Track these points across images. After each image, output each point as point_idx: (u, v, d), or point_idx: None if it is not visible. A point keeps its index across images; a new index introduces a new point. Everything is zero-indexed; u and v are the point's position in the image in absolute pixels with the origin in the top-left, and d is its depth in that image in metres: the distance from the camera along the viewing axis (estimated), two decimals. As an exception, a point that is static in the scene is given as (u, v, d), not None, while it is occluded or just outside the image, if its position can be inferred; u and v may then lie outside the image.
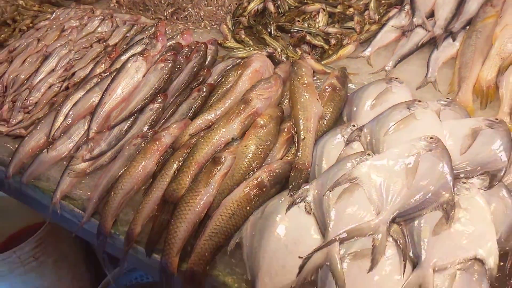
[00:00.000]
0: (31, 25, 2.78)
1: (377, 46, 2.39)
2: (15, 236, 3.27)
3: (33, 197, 2.10)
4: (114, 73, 2.23)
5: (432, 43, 2.34)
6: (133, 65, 2.22)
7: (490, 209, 1.52)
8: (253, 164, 1.77)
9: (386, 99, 1.99)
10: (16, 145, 2.13)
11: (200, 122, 1.98)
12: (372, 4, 2.54)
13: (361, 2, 2.59)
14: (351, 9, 2.55)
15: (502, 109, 1.98)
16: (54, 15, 2.83)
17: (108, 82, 2.19)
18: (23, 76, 2.37)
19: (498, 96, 2.03)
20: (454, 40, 2.30)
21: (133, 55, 2.27)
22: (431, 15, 2.45)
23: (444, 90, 2.14)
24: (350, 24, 2.50)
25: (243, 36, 2.50)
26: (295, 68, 2.08)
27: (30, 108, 2.26)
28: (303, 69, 2.07)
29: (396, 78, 2.09)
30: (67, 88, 2.34)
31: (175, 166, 1.84)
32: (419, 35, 2.36)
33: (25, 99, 2.26)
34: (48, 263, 2.89)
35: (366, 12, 2.55)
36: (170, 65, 2.21)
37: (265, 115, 1.90)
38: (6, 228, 3.42)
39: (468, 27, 2.32)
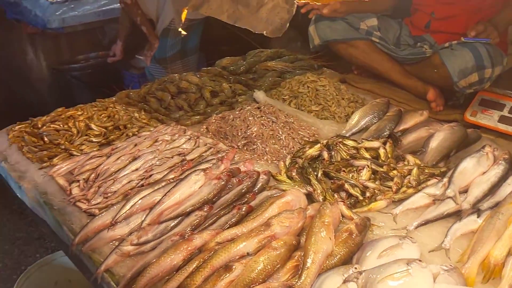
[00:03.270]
0: (136, 132, 3.46)
1: (407, 207, 2.64)
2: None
3: (86, 265, 2.55)
4: (179, 181, 2.72)
5: (458, 214, 2.54)
6: (194, 177, 2.70)
7: None
8: (256, 279, 2.06)
9: (394, 253, 2.21)
10: (88, 221, 2.64)
11: (227, 234, 2.34)
12: (414, 171, 2.83)
13: (406, 168, 2.90)
14: (395, 171, 2.86)
15: (502, 286, 2.09)
16: (155, 129, 3.49)
17: (171, 186, 2.68)
18: (112, 169, 2.96)
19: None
20: (478, 216, 2.48)
21: (198, 169, 2.76)
22: (465, 191, 2.68)
23: (454, 258, 2.30)
24: (389, 183, 2.80)
25: (293, 174, 2.90)
26: (322, 207, 2.40)
27: (109, 194, 2.80)
28: (328, 210, 2.38)
29: (411, 237, 2.32)
30: (142, 185, 2.87)
31: (195, 265, 2.20)
32: (447, 206, 2.58)
33: (107, 187, 2.82)
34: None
35: (408, 177, 2.84)
36: (222, 183, 2.66)
37: (280, 240, 2.22)
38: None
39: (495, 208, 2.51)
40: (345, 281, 2.07)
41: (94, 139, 3.35)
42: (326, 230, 2.27)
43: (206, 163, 2.94)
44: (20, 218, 3.07)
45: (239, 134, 3.29)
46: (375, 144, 3.11)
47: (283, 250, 2.18)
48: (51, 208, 2.83)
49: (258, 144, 3.20)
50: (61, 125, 3.43)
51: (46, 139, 3.33)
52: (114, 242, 2.51)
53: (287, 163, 3.06)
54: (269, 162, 3.14)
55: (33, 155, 3.23)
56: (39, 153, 3.23)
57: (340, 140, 3.15)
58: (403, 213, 2.63)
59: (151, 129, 3.52)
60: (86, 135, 3.37)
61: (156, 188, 2.73)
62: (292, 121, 3.40)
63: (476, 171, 2.79)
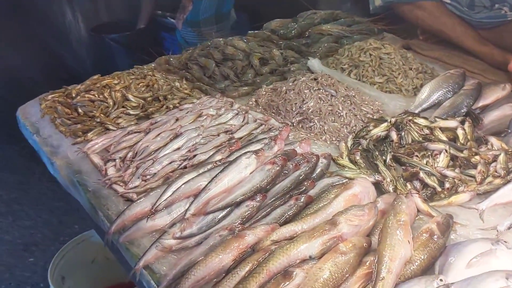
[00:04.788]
0: (177, 105, 3.13)
1: (495, 202, 2.23)
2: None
3: (123, 256, 2.27)
4: (227, 164, 2.38)
5: (561, 214, 2.12)
6: (244, 161, 2.36)
7: None
8: (323, 291, 1.72)
9: (487, 262, 1.83)
10: (125, 207, 2.35)
11: (285, 231, 2.00)
12: (501, 157, 2.40)
13: (491, 153, 2.47)
14: (477, 157, 2.44)
15: None
16: (198, 101, 3.15)
17: (219, 171, 2.35)
18: (152, 147, 2.64)
19: None
20: None
21: (248, 151, 2.41)
22: None
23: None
24: (471, 172, 2.39)
25: (357, 158, 2.52)
26: (396, 202, 2.02)
27: (148, 177, 2.49)
28: (404, 206, 2.01)
29: (506, 241, 1.92)
30: (185, 167, 2.55)
31: (248, 267, 1.88)
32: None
33: (146, 168, 2.51)
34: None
35: (493, 164, 2.41)
36: (277, 168, 2.30)
37: (349, 242, 1.87)
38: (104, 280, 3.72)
39: None
40: (430, 297, 1.71)
41: (131, 112, 3.03)
42: (404, 231, 1.90)
43: (257, 143, 2.58)
44: (60, 187, 2.82)
45: (293, 109, 2.91)
46: (452, 123, 2.67)
47: (352, 254, 1.83)
48: (85, 189, 2.55)
49: (316, 121, 2.81)
50: (96, 95, 3.12)
51: (80, 110, 3.04)
52: (153, 234, 2.22)
53: (348, 144, 2.67)
54: (328, 142, 2.76)
55: (66, 129, 2.94)
56: (72, 126, 2.94)
57: (410, 118, 2.72)
58: (491, 209, 2.22)
59: (194, 100, 3.17)
60: (123, 106, 3.06)
61: (201, 171, 2.40)
62: (353, 94, 2.98)
63: None
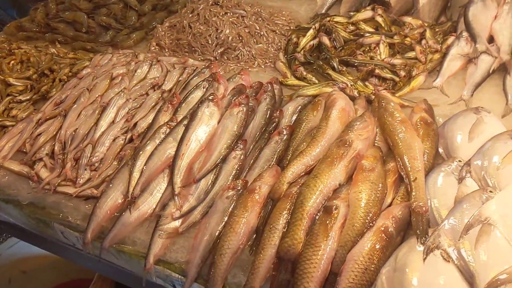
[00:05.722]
0: (70, 74, 2.62)
1: (447, 75, 2.35)
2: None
3: (114, 264, 1.93)
4: (185, 121, 2.10)
5: (502, 69, 2.32)
6: (205, 111, 2.10)
7: None
8: (372, 211, 1.66)
9: (482, 131, 1.93)
10: (90, 207, 1.96)
11: (295, 168, 1.86)
12: (428, 33, 2.51)
13: (416, 32, 2.56)
14: (408, 39, 2.51)
15: None
16: (91, 62, 2.67)
17: (181, 131, 2.06)
18: (81, 131, 2.20)
19: None
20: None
21: (202, 101, 2.14)
22: (491, 40, 2.44)
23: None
24: (410, 54, 2.46)
25: (304, 73, 2.41)
26: (383, 103, 2.00)
27: (96, 165, 2.09)
28: (392, 104, 2.00)
29: (482, 107, 2.05)
30: (131, 139, 2.19)
31: (283, 219, 1.72)
32: (486, 62, 2.33)
33: (90, 156, 2.09)
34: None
35: (424, 42, 2.51)
36: (245, 108, 2.10)
37: (369, 156, 1.81)
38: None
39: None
40: (460, 180, 1.77)
41: (22, 97, 2.46)
42: (407, 128, 1.90)
43: (197, 89, 2.31)
44: None
45: (210, 41, 2.64)
46: (367, 13, 2.69)
47: (379, 167, 1.78)
48: (18, 205, 2.06)
49: (240, 48, 2.60)
50: (-38, 92, 2.45)
51: (-50, 117, 2.38)
52: (146, 223, 1.90)
53: (285, 62, 2.53)
54: (263, 67, 2.59)
55: None
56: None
57: (328, 19, 2.67)
58: (445, 83, 2.34)
59: (87, 64, 2.68)
60: (8, 95, 2.46)
61: (158, 139, 2.08)
62: (259, 10, 2.80)
63: (487, 16, 2.54)
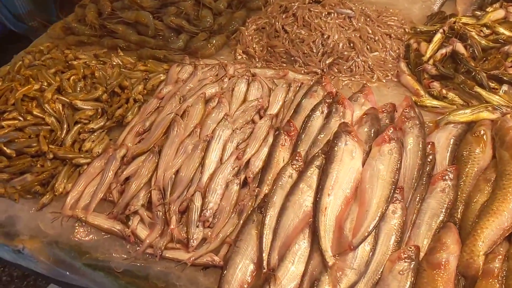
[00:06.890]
0: (145, 91, 2.15)
1: None
2: None
3: None
4: (317, 162, 1.65)
5: None
6: (344, 150, 1.65)
7: None
8: None
9: None
10: (210, 279, 1.53)
11: (489, 233, 1.43)
12: None
13: None
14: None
15: None
16: (170, 76, 2.20)
17: (314, 175, 1.62)
18: (183, 174, 1.74)
19: None
20: None
21: (337, 134, 1.69)
22: None
23: None
24: None
25: (444, 91, 1.96)
26: None
27: (210, 220, 1.64)
28: None
29: None
30: (244, 182, 1.74)
31: None
32: None
33: (203, 209, 1.64)
34: None
35: None
36: (398, 146, 1.65)
37: None
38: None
39: None
40: None
41: (93, 126, 1.99)
42: None
43: (316, 115, 1.86)
44: None
45: (315, 50, 2.17)
46: (500, 12, 2.24)
47: None
48: (112, 275, 1.62)
49: (354, 58, 2.13)
50: (20, 117, 1.97)
51: (8, 151, 1.90)
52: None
53: (411, 76, 2.08)
54: (384, 81, 2.13)
55: (6, 188, 1.83)
56: (17, 182, 1.83)
57: (454, 20, 2.21)
58: None
59: (162, 77, 2.21)
60: (77, 122, 1.99)
61: (285, 187, 1.63)
62: (364, 8, 2.32)
63: None
